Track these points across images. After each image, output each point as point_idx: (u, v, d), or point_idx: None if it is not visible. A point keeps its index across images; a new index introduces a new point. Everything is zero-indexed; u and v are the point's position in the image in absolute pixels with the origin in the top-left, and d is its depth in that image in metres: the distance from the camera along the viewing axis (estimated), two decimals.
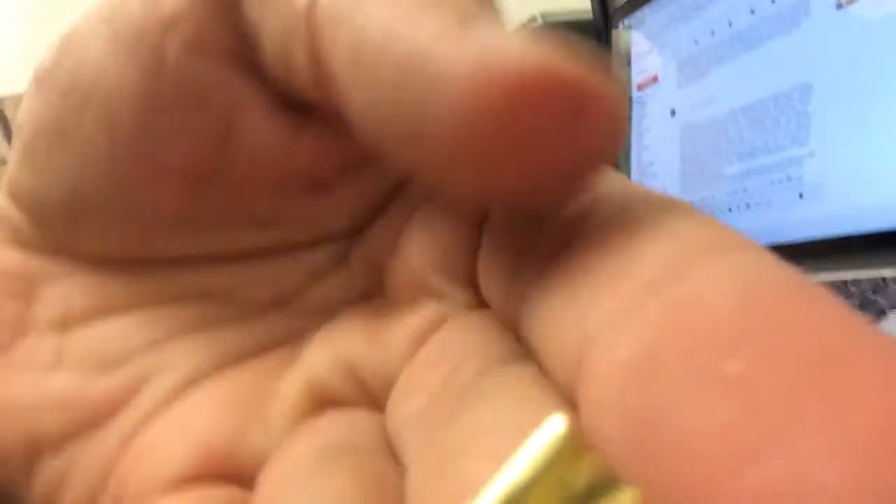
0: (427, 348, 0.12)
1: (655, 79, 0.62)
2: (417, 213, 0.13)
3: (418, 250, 0.13)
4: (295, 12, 0.10)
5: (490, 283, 0.12)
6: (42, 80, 0.12)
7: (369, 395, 0.12)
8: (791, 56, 0.49)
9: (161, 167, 0.12)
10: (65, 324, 0.13)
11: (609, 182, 0.10)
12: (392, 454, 0.11)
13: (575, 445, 0.07)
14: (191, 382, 0.12)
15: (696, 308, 0.07)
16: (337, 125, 0.12)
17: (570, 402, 0.08)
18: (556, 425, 0.07)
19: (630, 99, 0.64)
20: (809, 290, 0.07)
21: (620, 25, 0.66)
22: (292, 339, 0.13)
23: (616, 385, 0.07)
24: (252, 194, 0.12)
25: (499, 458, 0.07)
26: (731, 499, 0.06)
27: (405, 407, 0.11)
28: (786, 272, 0.07)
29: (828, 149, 0.47)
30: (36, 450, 0.12)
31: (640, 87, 0.64)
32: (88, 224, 0.12)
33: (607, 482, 0.07)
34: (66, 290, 0.13)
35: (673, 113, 0.60)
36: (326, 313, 0.13)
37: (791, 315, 0.06)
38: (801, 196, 0.48)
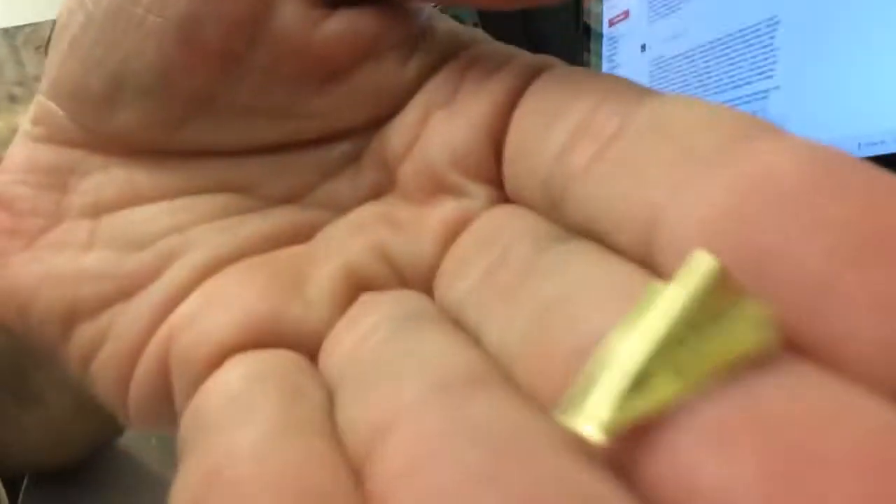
0: (466, 236, 0.13)
1: (627, 14, 0.62)
2: (434, 114, 0.14)
3: (435, 148, 0.13)
4: None
5: (522, 172, 0.12)
6: None
7: (404, 280, 0.13)
8: None
9: (201, 48, 0.13)
10: (97, 211, 0.14)
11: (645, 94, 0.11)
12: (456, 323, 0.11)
13: (719, 274, 0.07)
14: (217, 262, 0.14)
15: (771, 169, 0.08)
16: (360, 13, 0.13)
17: (640, 263, 0.09)
18: (703, 261, 0.07)
19: (601, 35, 0.65)
20: (858, 161, 0.08)
21: None
22: (307, 231, 0.14)
23: (715, 235, 0.08)
24: (273, 82, 0.13)
25: (607, 307, 0.08)
26: (843, 289, 0.07)
27: (459, 284, 0.12)
28: (830, 148, 0.08)
29: (792, 83, 0.47)
30: (73, 316, 0.13)
31: (611, 23, 0.64)
32: (126, 110, 0.13)
33: (736, 299, 0.07)
34: (98, 181, 0.14)
35: (644, 48, 0.60)
36: (338, 209, 0.14)
37: (853, 175, 0.08)
38: None
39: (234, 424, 0.10)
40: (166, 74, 0.13)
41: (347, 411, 0.10)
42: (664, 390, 0.07)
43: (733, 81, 0.51)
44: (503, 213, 0.13)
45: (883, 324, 0.07)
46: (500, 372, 0.09)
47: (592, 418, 0.07)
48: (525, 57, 0.14)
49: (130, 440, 0.37)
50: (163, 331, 0.13)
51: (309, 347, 0.12)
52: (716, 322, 0.07)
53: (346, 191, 0.14)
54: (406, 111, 0.14)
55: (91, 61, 0.13)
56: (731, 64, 0.51)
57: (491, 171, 0.13)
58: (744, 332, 0.07)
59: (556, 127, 0.11)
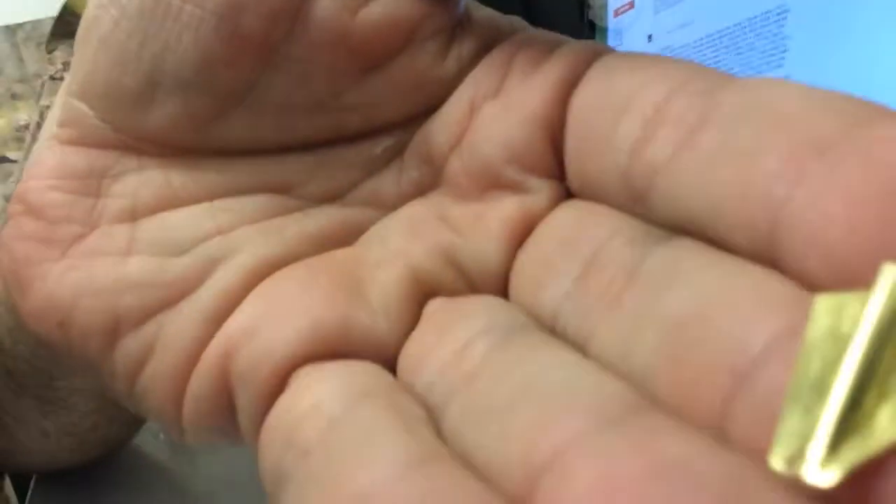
0: (542, 236, 0.12)
1: (632, 5, 0.62)
2: (481, 106, 0.13)
3: (487, 142, 0.13)
4: None
5: (592, 167, 0.12)
6: None
7: (473, 284, 0.12)
8: None
9: (241, 40, 0.12)
10: (134, 215, 0.13)
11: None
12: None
13: None
14: (265, 265, 0.13)
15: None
16: (398, 1, 0.12)
17: (759, 260, 0.08)
18: (892, 274, 0.07)
19: (605, 29, 0.64)
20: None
21: None
22: (353, 230, 0.14)
23: (855, 238, 0.07)
24: (312, 73, 0.13)
25: (760, 319, 0.07)
26: None
27: (549, 290, 0.11)
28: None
29: (802, 71, 0.47)
30: (116, 328, 0.13)
31: (616, 14, 0.63)
32: (161, 107, 0.13)
33: None
34: (133, 185, 0.14)
35: (650, 38, 0.59)
36: (382, 207, 0.14)
37: None
38: None
39: (356, 454, 0.09)
40: (205, 68, 0.12)
41: (477, 439, 0.09)
42: (883, 422, 0.06)
43: (742, 71, 0.51)
44: (579, 210, 0.12)
45: None
46: (646, 396, 0.08)
47: (812, 461, 0.06)
48: (573, 43, 0.13)
49: (138, 436, 0.36)
50: (218, 342, 0.12)
51: (379, 358, 0.12)
52: None
53: (390, 188, 0.14)
54: (450, 103, 0.13)
55: (125, 57, 0.13)
56: (740, 53, 0.51)
57: (550, 164, 0.12)
58: None
59: (627, 116, 0.11)
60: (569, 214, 0.12)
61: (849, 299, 0.07)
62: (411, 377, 0.11)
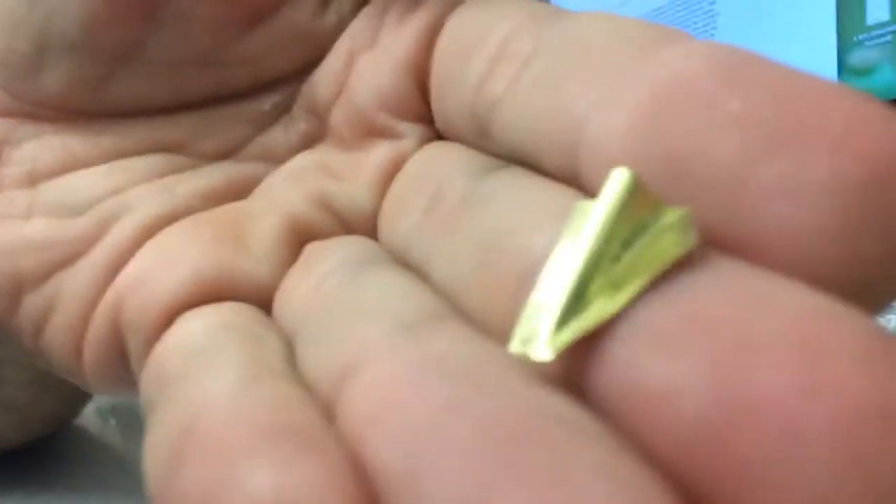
0: (402, 177, 0.13)
1: None
2: (358, 56, 0.14)
3: (362, 91, 0.13)
4: None
5: (448, 106, 0.12)
6: None
7: (347, 226, 0.13)
8: None
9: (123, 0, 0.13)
10: (33, 180, 0.14)
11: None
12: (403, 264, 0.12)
13: (636, 186, 0.07)
14: (157, 222, 0.13)
15: (682, 73, 0.08)
16: None
17: (570, 184, 0.09)
18: (621, 175, 0.07)
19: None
20: (762, 56, 0.08)
21: None
22: (244, 185, 0.14)
23: (631, 143, 0.08)
24: (195, 28, 0.13)
25: (543, 231, 0.08)
26: (757, 181, 0.07)
27: (401, 224, 0.12)
28: (735, 48, 0.08)
29: (732, 44, 0.49)
30: (19, 287, 0.13)
31: None
32: (53, 71, 0.13)
33: (658, 208, 0.07)
34: (31, 150, 0.14)
35: None
36: (273, 162, 0.14)
37: (758, 69, 0.08)
38: None
39: (202, 375, 0.10)
40: (91, 28, 0.13)
41: (311, 356, 0.10)
42: (603, 305, 0.07)
43: None
44: (435, 149, 0.13)
45: (796, 212, 0.07)
46: (453, 307, 0.09)
47: (538, 342, 0.07)
48: None
49: (89, 420, 0.37)
50: (110, 294, 0.13)
51: (260, 300, 0.12)
52: (642, 232, 0.07)
53: (280, 142, 0.14)
54: (331, 55, 0.14)
55: (14, 23, 0.13)
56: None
57: (420, 108, 0.13)
58: (669, 238, 0.07)
59: (476, 55, 0.11)
60: (425, 154, 0.13)
61: (596, 202, 0.08)
62: (278, 312, 0.12)
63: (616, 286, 0.07)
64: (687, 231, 0.07)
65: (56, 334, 0.13)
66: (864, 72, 0.41)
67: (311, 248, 0.13)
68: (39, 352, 0.14)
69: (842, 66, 0.42)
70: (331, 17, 0.14)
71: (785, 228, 0.07)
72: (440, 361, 0.08)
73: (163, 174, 0.14)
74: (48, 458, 0.35)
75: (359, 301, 0.10)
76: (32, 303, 0.14)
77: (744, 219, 0.07)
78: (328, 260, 0.12)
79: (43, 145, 0.14)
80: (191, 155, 0.14)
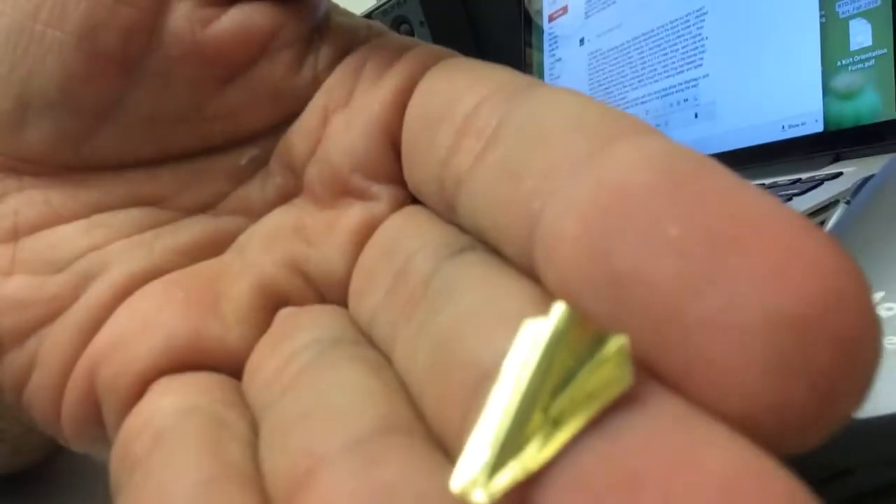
0: (371, 247, 0.13)
1: (565, 10, 0.64)
2: (333, 113, 0.14)
3: (336, 150, 0.13)
4: None
5: (417, 173, 0.12)
6: None
7: (319, 292, 0.13)
8: None
9: (101, 58, 0.13)
10: (15, 234, 0.14)
11: (521, 91, 0.11)
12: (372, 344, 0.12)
13: (574, 321, 0.08)
14: (135, 279, 0.13)
15: (627, 184, 0.08)
16: (253, 9, 0.13)
17: (527, 273, 0.09)
18: (557, 310, 0.08)
19: (542, 30, 0.66)
20: (710, 163, 0.08)
21: None
22: (221, 240, 0.14)
23: (576, 256, 0.08)
24: (172, 85, 0.13)
25: (494, 340, 0.08)
26: (692, 315, 0.07)
27: (368, 300, 0.12)
28: (686, 150, 0.09)
29: (720, 71, 0.50)
30: (0, 345, 0.13)
31: (551, 18, 0.66)
32: (34, 127, 0.13)
33: (598, 338, 0.08)
34: (13, 205, 0.14)
35: (581, 42, 0.62)
36: (250, 216, 0.14)
37: (702, 185, 0.08)
38: (696, 116, 0.51)
39: (162, 472, 0.10)
40: (70, 87, 0.13)
41: (269, 454, 0.10)
42: (540, 444, 0.07)
43: (666, 71, 0.53)
44: (404, 218, 0.13)
45: (726, 348, 0.07)
46: (408, 411, 0.10)
47: (477, 487, 0.07)
48: (419, 49, 0.13)
49: None
50: (86, 357, 0.13)
51: (231, 367, 0.13)
52: (581, 365, 0.07)
53: (257, 196, 0.14)
54: (306, 112, 0.14)
55: None
56: (664, 54, 0.53)
57: (393, 170, 0.13)
58: (607, 372, 0.07)
59: (443, 126, 0.11)
60: (395, 223, 0.13)
61: (540, 327, 0.08)
62: (247, 386, 0.12)
63: (555, 423, 0.07)
64: (624, 366, 0.07)
65: (35, 392, 0.13)
66: (848, 96, 0.42)
67: (283, 317, 0.13)
68: (20, 407, 0.14)
69: (826, 90, 0.43)
70: (306, 74, 0.14)
71: (715, 364, 0.07)
72: (386, 494, 0.08)
73: (142, 228, 0.14)
74: (41, 476, 0.34)
75: (320, 396, 0.10)
76: (13, 361, 0.13)
77: (677, 349, 0.07)
78: (297, 338, 0.12)
79: (25, 199, 0.14)
80: (170, 208, 0.14)
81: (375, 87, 0.13)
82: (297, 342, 0.12)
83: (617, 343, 0.07)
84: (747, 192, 0.08)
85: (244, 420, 0.11)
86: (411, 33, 0.81)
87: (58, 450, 0.34)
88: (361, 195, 0.13)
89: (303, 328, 0.12)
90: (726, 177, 0.08)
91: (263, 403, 0.11)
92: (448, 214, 0.12)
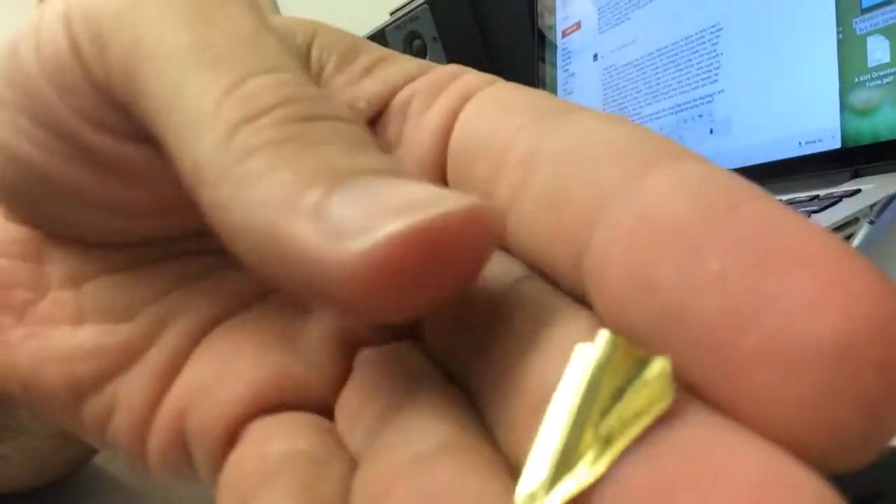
0: None
1: (578, 25, 0.64)
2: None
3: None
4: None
5: None
6: None
7: (389, 329, 0.13)
8: None
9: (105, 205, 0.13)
10: (77, 281, 0.14)
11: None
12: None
13: (619, 346, 0.08)
14: (205, 325, 0.14)
15: (667, 217, 0.08)
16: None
17: (580, 300, 0.10)
18: (602, 337, 0.08)
19: (555, 46, 0.66)
20: (748, 188, 0.08)
21: None
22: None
23: (623, 289, 0.08)
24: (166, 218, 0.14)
25: (552, 365, 0.09)
26: (740, 349, 0.07)
27: (442, 332, 0.12)
28: (724, 174, 0.09)
29: (736, 86, 0.50)
30: (78, 393, 0.14)
31: (564, 34, 0.66)
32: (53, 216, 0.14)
33: (642, 360, 0.08)
34: (70, 250, 0.14)
35: (595, 57, 0.62)
36: None
37: (739, 214, 0.08)
38: (711, 132, 0.51)
39: None
40: (92, 219, 0.14)
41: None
42: (593, 458, 0.08)
43: (681, 86, 0.53)
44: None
45: (775, 380, 0.07)
46: (482, 443, 0.10)
47: (536, 498, 0.08)
48: (463, 78, 0.13)
49: (98, 454, 0.37)
50: (169, 404, 0.13)
51: (316, 405, 0.13)
52: (628, 386, 0.08)
53: None
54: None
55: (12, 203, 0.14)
56: (679, 70, 0.53)
57: None
58: (652, 391, 0.08)
59: (480, 158, 0.12)
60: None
61: (588, 352, 0.08)
62: (344, 428, 0.12)
63: (605, 441, 0.08)
64: (666, 386, 0.08)
65: (118, 434, 0.14)
66: (865, 112, 0.42)
67: (367, 357, 0.13)
68: (102, 444, 0.14)
69: (843, 106, 0.43)
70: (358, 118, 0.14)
71: (764, 395, 0.07)
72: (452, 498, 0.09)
73: (204, 275, 0.14)
74: (57, 493, 0.34)
75: (408, 447, 0.10)
76: (93, 407, 0.14)
77: (726, 380, 0.08)
78: (382, 385, 0.12)
79: (80, 246, 0.14)
80: (223, 256, 0.14)
81: (421, 124, 0.13)
82: (384, 389, 0.12)
83: (660, 365, 0.08)
84: (785, 218, 0.08)
85: (341, 461, 0.11)
86: (424, 49, 0.82)
87: (80, 467, 0.34)
88: None
89: (389, 376, 0.12)
90: (763, 202, 0.08)
91: (365, 443, 0.12)
92: (500, 245, 0.12)
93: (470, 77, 0.13)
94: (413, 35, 0.82)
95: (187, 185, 0.11)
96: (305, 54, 0.14)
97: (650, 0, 0.56)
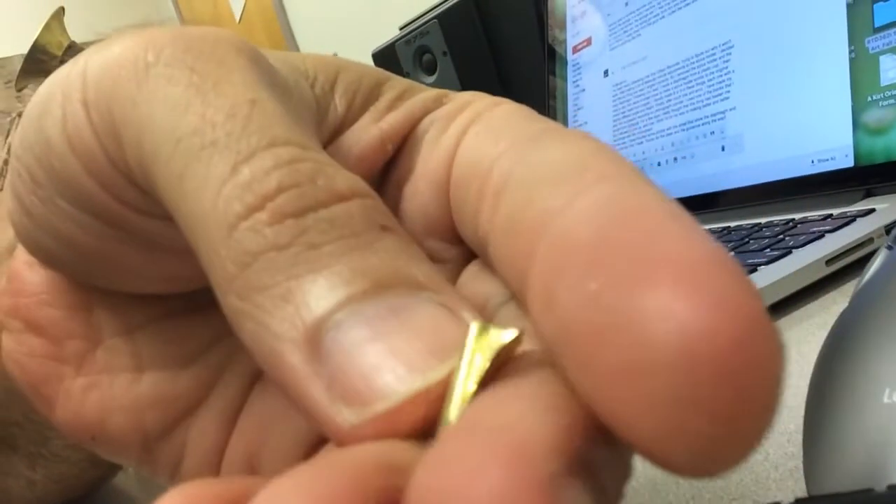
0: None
1: (589, 41, 0.64)
2: (405, 183, 0.14)
3: (408, 216, 0.14)
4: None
5: (464, 233, 0.13)
6: None
7: None
8: (713, 16, 0.52)
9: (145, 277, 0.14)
10: (129, 328, 0.14)
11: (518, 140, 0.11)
12: None
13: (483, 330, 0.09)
14: (260, 370, 0.14)
15: (570, 241, 0.09)
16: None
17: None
18: (472, 329, 0.09)
19: (565, 61, 0.67)
20: (652, 209, 0.09)
21: None
22: None
23: (537, 310, 0.09)
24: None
25: None
26: (604, 363, 0.08)
27: None
28: (638, 196, 0.09)
29: (748, 104, 0.50)
30: (147, 440, 0.14)
31: (575, 50, 0.66)
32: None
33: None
34: (119, 300, 0.14)
35: (606, 73, 0.62)
36: None
37: (630, 232, 0.08)
38: (722, 149, 0.51)
39: None
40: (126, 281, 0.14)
41: None
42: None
43: (692, 103, 0.53)
44: (469, 279, 0.13)
45: (635, 395, 0.08)
46: None
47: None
48: (473, 106, 0.14)
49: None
50: (241, 439, 0.14)
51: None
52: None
53: None
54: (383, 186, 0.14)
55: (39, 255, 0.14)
56: (690, 87, 0.53)
57: (453, 230, 0.13)
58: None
59: (471, 183, 0.12)
60: (462, 282, 0.13)
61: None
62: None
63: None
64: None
65: (190, 475, 0.14)
66: (879, 131, 0.42)
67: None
68: (174, 482, 0.15)
69: (856, 125, 0.43)
70: (386, 153, 0.14)
71: (626, 407, 0.08)
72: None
73: None
74: None
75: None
76: (163, 451, 0.14)
77: (597, 395, 0.08)
78: None
79: (130, 300, 0.14)
80: None
81: (434, 152, 0.14)
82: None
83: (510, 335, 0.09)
84: (668, 236, 0.08)
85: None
86: (434, 63, 0.82)
87: (99, 487, 0.34)
88: (432, 257, 0.14)
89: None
90: (655, 221, 0.08)
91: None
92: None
93: (479, 103, 0.14)
94: (423, 50, 0.83)
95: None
96: (328, 94, 0.14)
97: (661, 17, 0.56)
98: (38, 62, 1.04)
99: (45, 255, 0.14)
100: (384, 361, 0.09)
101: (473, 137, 0.13)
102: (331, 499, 0.08)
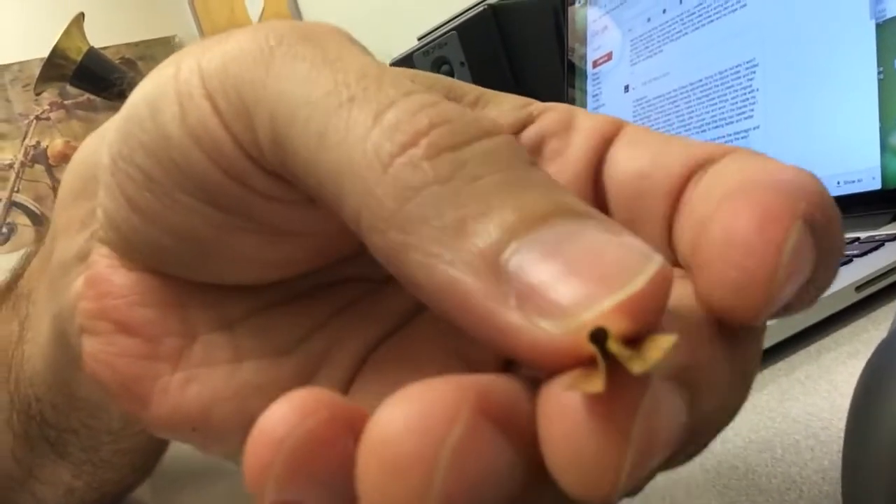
0: None
1: (610, 56, 0.64)
2: (551, 161, 0.15)
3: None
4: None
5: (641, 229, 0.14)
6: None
7: None
8: (737, 33, 0.51)
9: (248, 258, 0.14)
10: (229, 322, 0.14)
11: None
12: None
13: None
14: (365, 350, 0.14)
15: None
16: None
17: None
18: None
19: (585, 75, 0.66)
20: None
21: (577, 3, 0.67)
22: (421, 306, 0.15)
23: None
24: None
25: None
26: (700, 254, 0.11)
27: None
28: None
29: (772, 123, 0.49)
30: (251, 427, 0.14)
31: (595, 64, 0.65)
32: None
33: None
34: (211, 293, 0.15)
35: (626, 88, 0.61)
36: None
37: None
38: None
39: None
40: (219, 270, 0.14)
41: None
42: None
43: (715, 121, 0.53)
44: None
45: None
46: None
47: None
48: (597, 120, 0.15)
49: None
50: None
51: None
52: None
53: None
54: None
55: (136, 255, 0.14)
56: (712, 104, 0.53)
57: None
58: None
59: (647, 192, 0.14)
60: None
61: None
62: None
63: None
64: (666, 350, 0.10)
65: None
66: None
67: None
68: None
69: (884, 147, 0.42)
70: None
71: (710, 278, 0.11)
72: None
73: (354, 301, 0.15)
74: None
75: None
76: None
77: (709, 275, 0.11)
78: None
79: (228, 291, 0.15)
80: (371, 281, 0.15)
81: (566, 164, 0.14)
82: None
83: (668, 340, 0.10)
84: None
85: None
86: (451, 74, 0.82)
87: (125, 495, 0.34)
88: None
89: None
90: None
91: None
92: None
93: (593, 121, 0.15)
94: (441, 60, 0.82)
95: (355, 231, 0.11)
96: None
97: (683, 34, 0.55)
98: (58, 67, 1.05)
99: (149, 253, 0.14)
100: (578, 273, 0.09)
101: (628, 150, 0.14)
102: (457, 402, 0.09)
